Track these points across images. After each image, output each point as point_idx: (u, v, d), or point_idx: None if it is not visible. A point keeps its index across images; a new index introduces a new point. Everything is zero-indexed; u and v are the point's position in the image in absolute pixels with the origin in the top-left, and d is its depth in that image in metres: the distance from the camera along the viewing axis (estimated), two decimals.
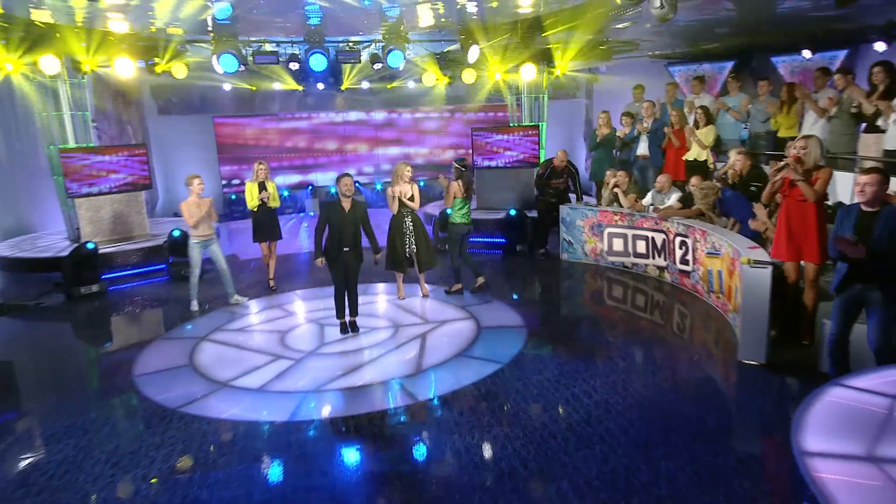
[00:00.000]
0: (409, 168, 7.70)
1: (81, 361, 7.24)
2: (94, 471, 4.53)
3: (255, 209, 8.26)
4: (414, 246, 7.69)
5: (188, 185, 7.62)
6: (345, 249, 6.67)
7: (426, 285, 8.12)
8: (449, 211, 10.64)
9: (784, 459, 3.58)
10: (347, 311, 6.96)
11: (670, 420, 4.94)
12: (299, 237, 13.08)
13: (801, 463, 3.14)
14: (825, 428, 3.42)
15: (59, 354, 7.36)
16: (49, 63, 8.74)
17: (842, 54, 10.59)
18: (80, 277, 8.85)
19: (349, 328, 6.93)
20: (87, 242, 9.13)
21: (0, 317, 8.28)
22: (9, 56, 8.30)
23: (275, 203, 8.40)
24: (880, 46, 9.58)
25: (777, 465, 4.27)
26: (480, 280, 8.03)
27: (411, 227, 7.67)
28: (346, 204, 6.61)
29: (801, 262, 5.73)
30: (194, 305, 7.95)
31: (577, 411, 5.09)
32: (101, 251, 9.38)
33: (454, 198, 7.79)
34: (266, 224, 8.43)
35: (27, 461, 4.78)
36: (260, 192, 8.18)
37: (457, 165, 8.03)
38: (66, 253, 9.19)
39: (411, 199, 7.63)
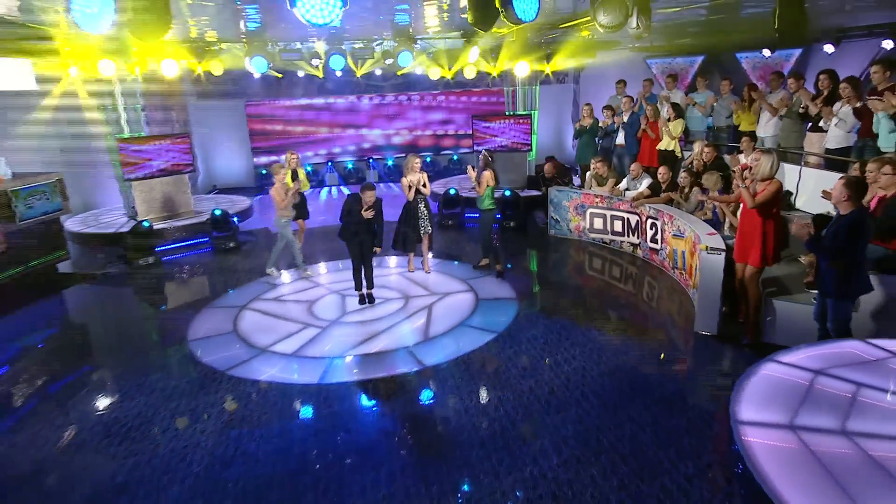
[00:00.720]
0: (418, 159, 7.75)
1: (144, 326, 7.39)
2: (162, 424, 4.81)
3: None
4: (430, 228, 7.81)
5: (274, 174, 7.71)
6: (361, 234, 6.84)
7: (429, 258, 8.23)
8: (454, 189, 10.75)
9: (724, 421, 3.76)
10: (364, 283, 7.14)
11: (636, 384, 5.12)
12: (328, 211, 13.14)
13: (734, 428, 3.39)
14: (756, 398, 3.64)
15: (125, 319, 7.58)
16: (106, 66, 8.82)
17: (796, 53, 10.53)
18: (138, 251, 9.04)
19: (367, 299, 7.13)
20: (143, 221, 9.28)
21: (73, 285, 8.48)
22: (73, 61, 8.39)
23: (305, 187, 8.52)
24: (829, 48, 9.57)
25: (719, 426, 4.44)
26: (486, 261, 8.10)
27: (425, 212, 7.76)
28: (359, 207, 6.77)
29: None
30: (300, 270, 8.19)
31: (559, 377, 5.27)
32: (154, 227, 9.55)
33: (486, 185, 7.62)
34: (298, 205, 8.58)
35: (107, 414, 5.05)
36: (293, 179, 8.31)
37: (485, 155, 7.92)
38: (126, 229, 9.36)
39: (424, 186, 7.67)
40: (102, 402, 5.32)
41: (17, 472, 4.37)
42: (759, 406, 3.60)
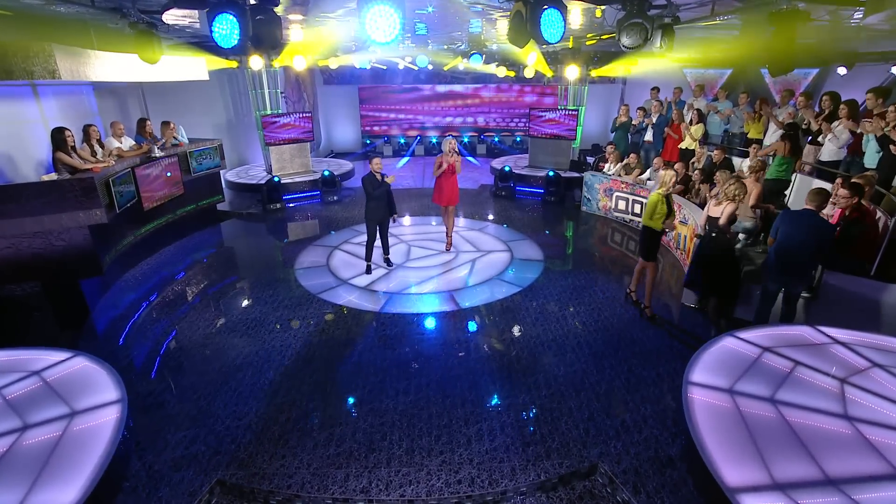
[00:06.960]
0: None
1: (270, 253, 7.67)
2: (270, 328, 5.26)
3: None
4: None
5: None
6: (381, 211, 6.29)
7: None
8: (508, 166, 10.40)
9: (681, 379, 3.70)
10: (382, 252, 6.71)
11: (622, 340, 5.01)
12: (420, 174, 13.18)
13: (683, 387, 3.33)
14: (709, 364, 3.44)
15: (258, 246, 8.05)
16: (255, 61, 9.20)
17: (813, 72, 9.29)
18: (270, 198, 9.56)
19: (386, 263, 6.72)
20: (274, 176, 9.81)
21: (227, 220, 9.16)
22: (229, 61, 8.87)
23: None
24: (842, 70, 8.37)
25: (677, 382, 4.24)
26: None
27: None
28: (378, 178, 6.17)
29: None
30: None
31: (562, 328, 5.22)
32: (283, 182, 10.05)
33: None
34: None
35: (239, 314, 5.56)
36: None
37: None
38: (262, 182, 9.90)
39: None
40: (238, 304, 5.85)
41: (187, 343, 5.02)
42: (709, 371, 3.46)
